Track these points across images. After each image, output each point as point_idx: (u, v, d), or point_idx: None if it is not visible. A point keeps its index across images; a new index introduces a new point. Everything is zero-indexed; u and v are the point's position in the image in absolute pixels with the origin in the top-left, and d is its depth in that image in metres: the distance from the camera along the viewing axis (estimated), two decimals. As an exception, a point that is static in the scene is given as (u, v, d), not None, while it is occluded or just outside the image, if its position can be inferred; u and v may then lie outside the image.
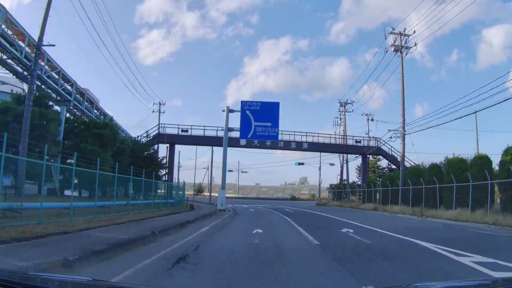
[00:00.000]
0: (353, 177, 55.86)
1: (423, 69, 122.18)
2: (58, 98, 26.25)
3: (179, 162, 65.01)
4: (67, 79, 26.39)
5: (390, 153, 41.41)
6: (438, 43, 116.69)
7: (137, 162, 29.76)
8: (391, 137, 30.97)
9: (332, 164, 54.11)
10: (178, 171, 63.98)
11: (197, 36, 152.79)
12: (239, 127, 28.70)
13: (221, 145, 40.73)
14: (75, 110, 28.69)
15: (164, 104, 48.03)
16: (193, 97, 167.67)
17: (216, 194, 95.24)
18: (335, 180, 74.99)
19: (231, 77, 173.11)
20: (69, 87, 26.79)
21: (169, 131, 37.81)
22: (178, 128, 37.48)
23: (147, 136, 34.55)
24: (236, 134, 36.41)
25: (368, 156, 42.33)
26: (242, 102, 29.03)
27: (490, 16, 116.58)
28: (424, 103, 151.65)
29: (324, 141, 39.73)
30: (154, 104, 48.42)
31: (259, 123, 28.45)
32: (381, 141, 41.46)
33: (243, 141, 36.77)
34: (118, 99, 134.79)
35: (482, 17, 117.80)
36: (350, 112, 50.76)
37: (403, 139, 30.28)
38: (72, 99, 26.45)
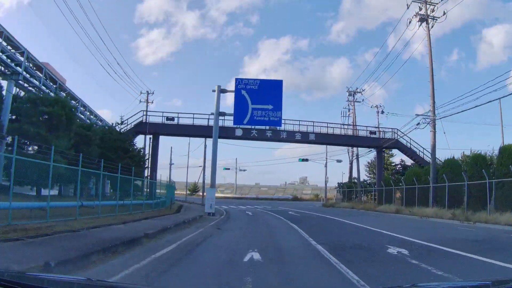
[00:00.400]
0: (362, 175, 50.43)
1: (423, 68, 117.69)
2: (7, 71, 20.81)
3: (171, 159, 59.65)
4: (15, 46, 20.86)
5: (409, 147, 35.92)
6: (438, 42, 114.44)
7: (107, 154, 24.41)
8: (418, 124, 25.43)
9: (339, 161, 48.64)
10: (170, 169, 58.67)
11: (197, 36, 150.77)
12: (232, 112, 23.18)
13: (221, 138, 35.32)
14: (30, 87, 23.16)
15: (153, 93, 42.58)
16: (193, 96, 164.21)
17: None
18: (341, 179, 69.68)
19: (231, 76, 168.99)
20: (20, 57, 21.27)
21: (153, 120, 32.36)
22: (163, 116, 31.95)
23: (121, 123, 28.79)
24: (230, 123, 31.02)
25: (383, 150, 36.72)
26: (236, 79, 23.56)
27: (490, 16, 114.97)
28: (424, 103, 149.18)
29: (334, 132, 34.09)
30: (141, 93, 43.08)
31: (258, 106, 22.98)
32: (398, 132, 36.03)
33: (239, 131, 31.29)
34: (106, 94, 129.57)
35: (483, 17, 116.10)
36: (359, 102, 45.49)
37: (434, 126, 24.74)
38: (22, 70, 20.92)
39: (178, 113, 31.51)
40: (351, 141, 35.21)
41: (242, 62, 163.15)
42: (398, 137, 35.52)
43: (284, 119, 32.85)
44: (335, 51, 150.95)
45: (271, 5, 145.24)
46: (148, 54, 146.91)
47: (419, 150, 36.73)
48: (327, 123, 33.71)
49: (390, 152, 48.31)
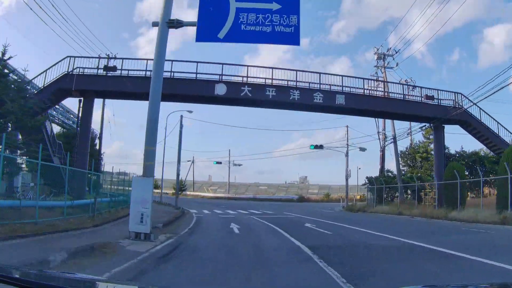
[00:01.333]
0: (393, 166, 38.14)
1: (424, 68, 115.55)
2: None
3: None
4: None
5: (479, 121, 23.80)
6: (439, 42, 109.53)
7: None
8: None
9: (363, 149, 36.41)
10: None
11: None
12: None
13: (192, 101, 23.27)
14: None
15: (115, 57, 30.41)
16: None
17: (203, 194, 75.83)
18: (356, 176, 57.56)
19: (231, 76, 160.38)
20: None
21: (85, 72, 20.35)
22: (97, 68, 20.01)
23: (3, 56, 15.78)
24: (206, 76, 19.21)
25: (443, 125, 24.26)
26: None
27: (491, 16, 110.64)
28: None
29: (370, 93, 21.64)
30: (100, 58, 30.97)
31: (249, 4, 10.97)
32: (461, 101, 23.95)
33: (220, 88, 19.17)
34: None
35: (484, 16, 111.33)
36: (391, 68, 33.81)
37: None
38: None
39: (122, 58, 19.50)
40: (401, 107, 21.74)
41: (242, 61, 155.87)
42: (466, 107, 23.49)
43: (296, 70, 20.88)
44: (336, 51, 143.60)
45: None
46: (147, 53, 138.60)
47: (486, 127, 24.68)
48: (363, 78, 21.47)
49: (432, 137, 36.17)
